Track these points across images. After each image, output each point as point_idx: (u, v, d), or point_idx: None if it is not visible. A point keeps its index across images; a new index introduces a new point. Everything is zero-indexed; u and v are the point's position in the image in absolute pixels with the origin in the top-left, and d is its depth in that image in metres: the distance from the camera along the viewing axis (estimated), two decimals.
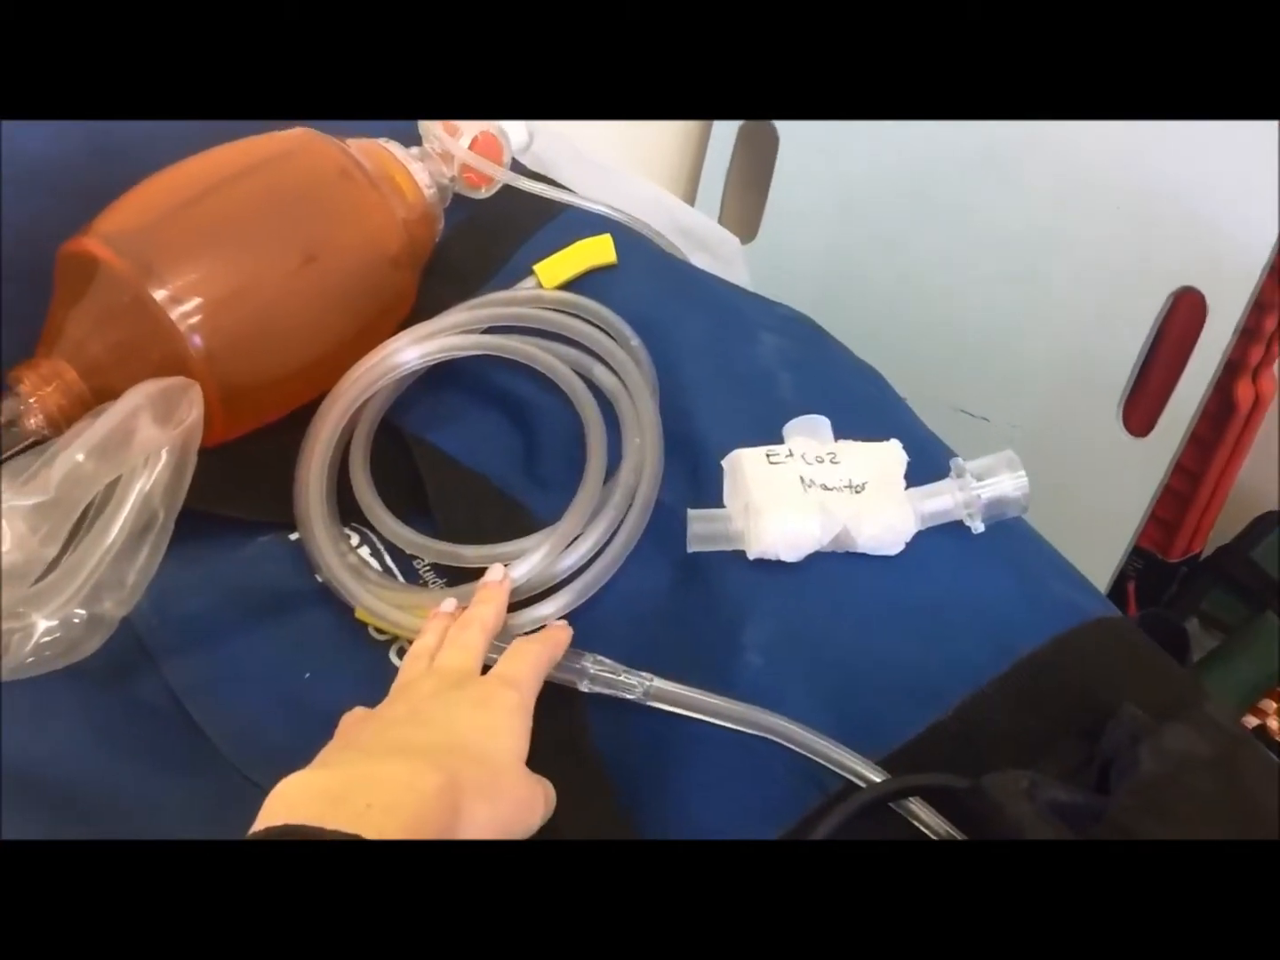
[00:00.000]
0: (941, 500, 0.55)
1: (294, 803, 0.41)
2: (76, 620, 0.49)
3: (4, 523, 0.48)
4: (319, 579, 0.58)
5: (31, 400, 0.56)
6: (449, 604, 0.56)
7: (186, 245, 0.58)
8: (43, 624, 0.48)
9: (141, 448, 0.51)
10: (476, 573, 0.57)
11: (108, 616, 0.50)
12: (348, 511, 0.61)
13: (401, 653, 0.58)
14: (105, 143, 0.66)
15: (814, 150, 1.07)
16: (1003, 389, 1.04)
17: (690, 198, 1.18)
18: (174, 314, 0.56)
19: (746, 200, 1.16)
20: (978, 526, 0.55)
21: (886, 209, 1.06)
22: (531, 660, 0.51)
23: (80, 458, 0.49)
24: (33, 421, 0.56)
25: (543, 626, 0.55)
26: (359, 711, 0.51)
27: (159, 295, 0.56)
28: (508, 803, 0.46)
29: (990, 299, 1.02)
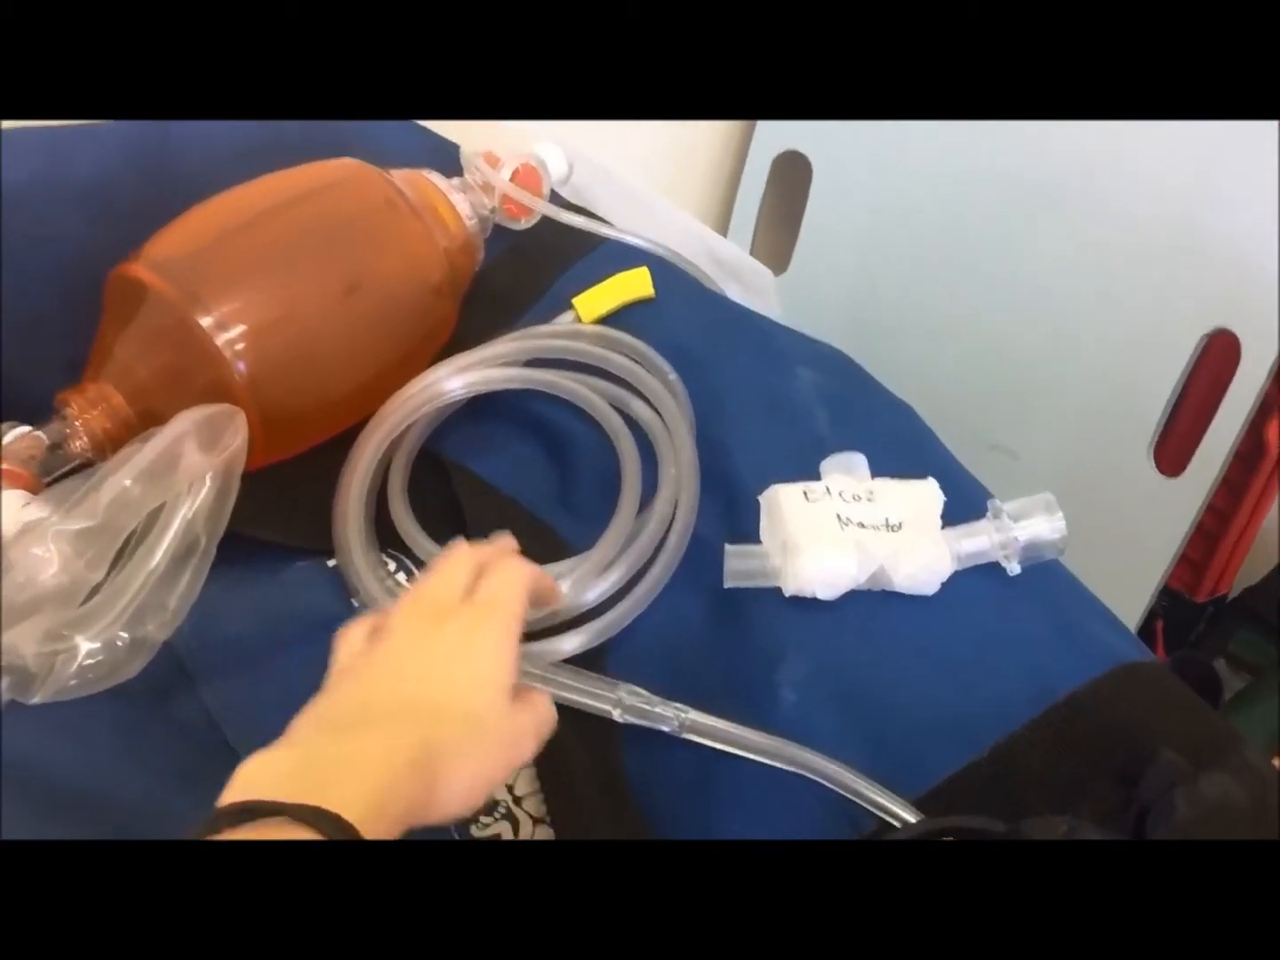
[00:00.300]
0: (978, 541, 0.55)
1: (260, 783, 0.39)
2: (119, 643, 0.49)
3: (51, 546, 0.49)
4: (356, 604, 0.59)
5: (78, 423, 0.57)
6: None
7: (233, 273, 0.59)
8: (86, 646, 0.49)
9: (186, 474, 0.52)
10: None
11: (150, 640, 0.51)
12: (385, 538, 0.61)
13: None
14: (153, 166, 0.67)
15: (847, 183, 1.08)
16: (1034, 425, 1.04)
17: (723, 229, 1.18)
18: (219, 340, 0.57)
19: (778, 232, 1.17)
20: (1014, 568, 0.55)
21: (918, 243, 1.06)
22: (514, 576, 0.50)
23: (128, 483, 0.50)
24: (78, 444, 0.57)
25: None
26: (354, 641, 0.50)
27: (205, 322, 0.57)
28: (491, 751, 0.45)
29: (1022, 335, 1.02)
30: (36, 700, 0.47)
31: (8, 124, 0.64)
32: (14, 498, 0.52)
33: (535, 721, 0.48)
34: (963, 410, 1.04)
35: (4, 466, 0.53)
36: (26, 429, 0.56)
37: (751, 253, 1.05)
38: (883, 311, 1.11)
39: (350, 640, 0.50)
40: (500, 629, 0.47)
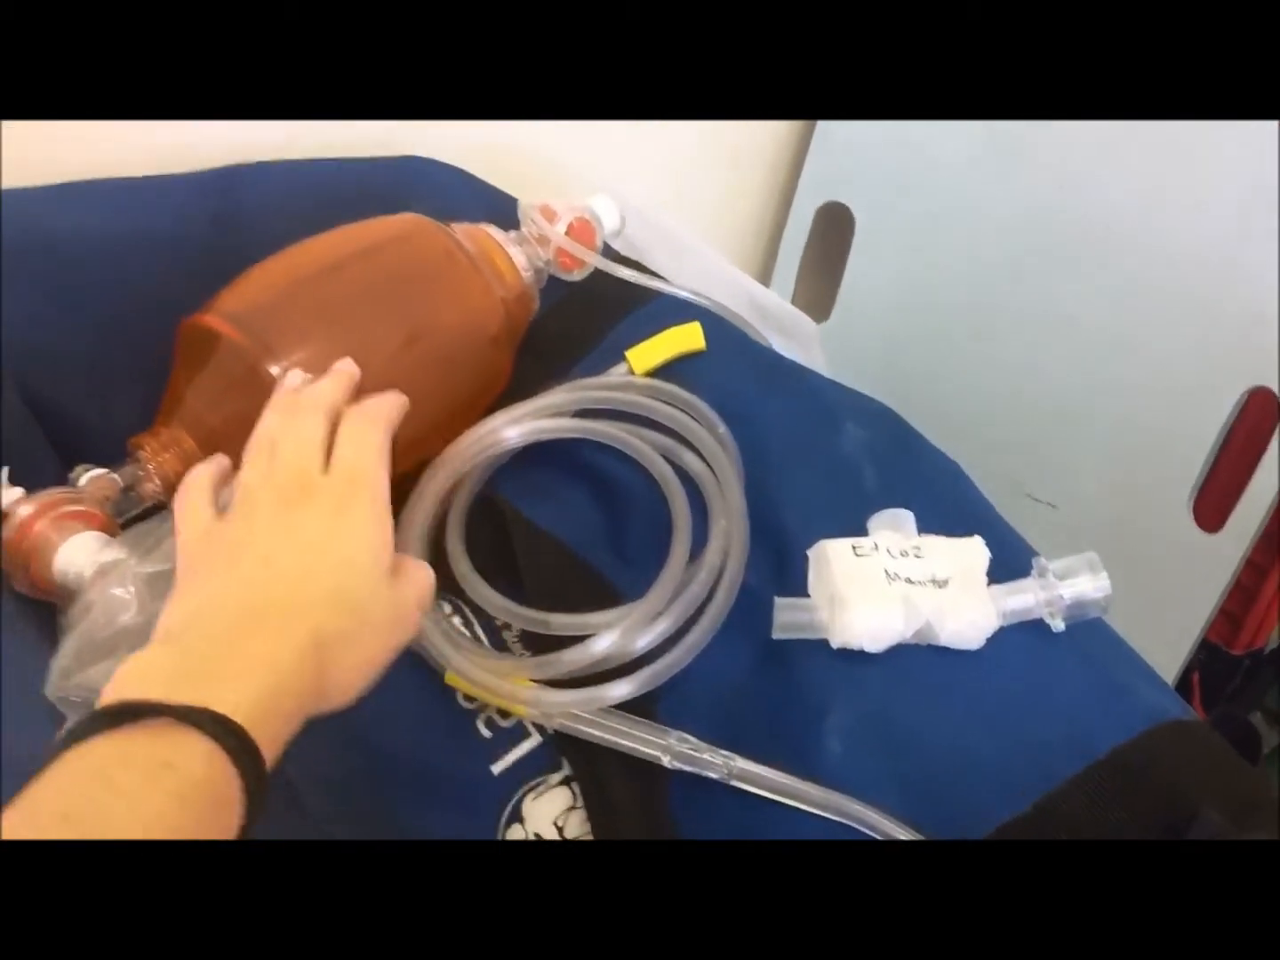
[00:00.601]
0: (1023, 598, 0.56)
1: (139, 684, 0.38)
2: None
3: (130, 587, 0.50)
4: (411, 646, 0.60)
5: (150, 466, 0.59)
6: (295, 376, 0.54)
7: (302, 324, 0.61)
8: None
9: None
10: (561, 641, 0.58)
11: None
12: (441, 583, 0.63)
13: (489, 722, 0.60)
14: (222, 217, 0.70)
15: (888, 234, 1.10)
16: (1073, 478, 1.05)
17: (765, 278, 1.20)
18: None
19: (820, 281, 1.19)
20: (1058, 625, 0.56)
21: (958, 294, 1.08)
22: (372, 442, 0.49)
23: None
24: (150, 487, 0.59)
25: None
26: (199, 513, 0.48)
27: (275, 370, 0.59)
28: (379, 632, 0.45)
29: (1061, 388, 1.03)
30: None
31: (88, 174, 0.67)
32: (93, 539, 0.54)
33: (417, 594, 0.47)
34: (1001, 461, 1.05)
35: (81, 508, 0.56)
36: (102, 471, 0.58)
37: (793, 302, 1.07)
38: (922, 361, 1.12)
39: (193, 509, 0.49)
40: (368, 504, 0.47)
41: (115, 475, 0.58)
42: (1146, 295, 0.97)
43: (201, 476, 0.51)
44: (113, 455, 0.59)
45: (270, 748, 0.40)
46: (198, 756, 0.37)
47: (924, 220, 1.07)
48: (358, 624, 0.44)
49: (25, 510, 0.54)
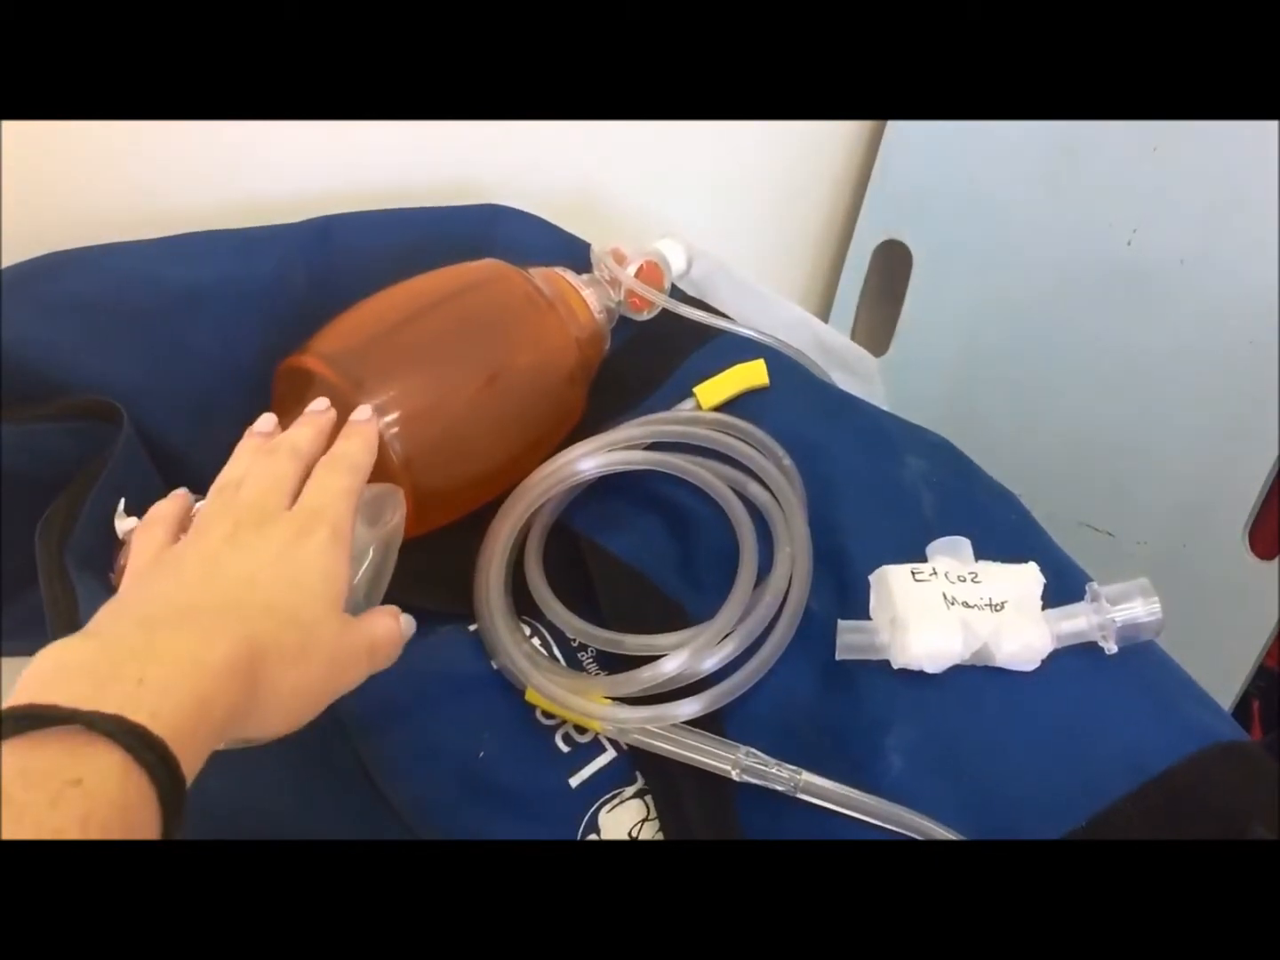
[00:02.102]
0: (1077, 622, 0.58)
1: (52, 680, 0.34)
2: None
3: None
4: (494, 665, 0.64)
5: None
6: (265, 420, 0.52)
7: (391, 365, 0.65)
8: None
9: (353, 546, 0.58)
10: (635, 661, 0.61)
11: None
12: (521, 605, 0.66)
13: (566, 738, 0.63)
14: (317, 266, 0.74)
15: (946, 271, 1.12)
16: (1129, 506, 1.06)
17: (825, 313, 1.24)
18: (379, 423, 0.63)
19: (878, 317, 1.21)
20: (1111, 648, 0.58)
21: (1015, 329, 1.10)
22: (337, 484, 0.48)
23: None
24: None
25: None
26: (154, 540, 0.46)
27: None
28: (320, 662, 0.42)
29: (1117, 419, 1.05)
30: (221, 747, 0.52)
31: (186, 220, 0.71)
32: None
33: (369, 640, 0.45)
34: (1059, 490, 1.08)
35: None
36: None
37: (852, 337, 1.10)
38: (979, 393, 1.14)
39: (149, 538, 0.47)
40: (328, 538, 0.45)
41: None
42: (1202, 328, 0.98)
43: (164, 510, 0.50)
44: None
45: (190, 760, 0.35)
46: (110, 771, 0.32)
47: (981, 257, 1.09)
48: (298, 644, 0.41)
49: None
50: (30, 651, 0.46)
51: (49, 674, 0.35)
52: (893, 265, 1.17)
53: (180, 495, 0.52)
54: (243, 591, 0.42)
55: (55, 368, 0.64)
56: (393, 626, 0.48)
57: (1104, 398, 1.05)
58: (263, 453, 0.51)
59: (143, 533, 0.48)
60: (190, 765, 0.35)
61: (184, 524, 0.50)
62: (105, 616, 0.40)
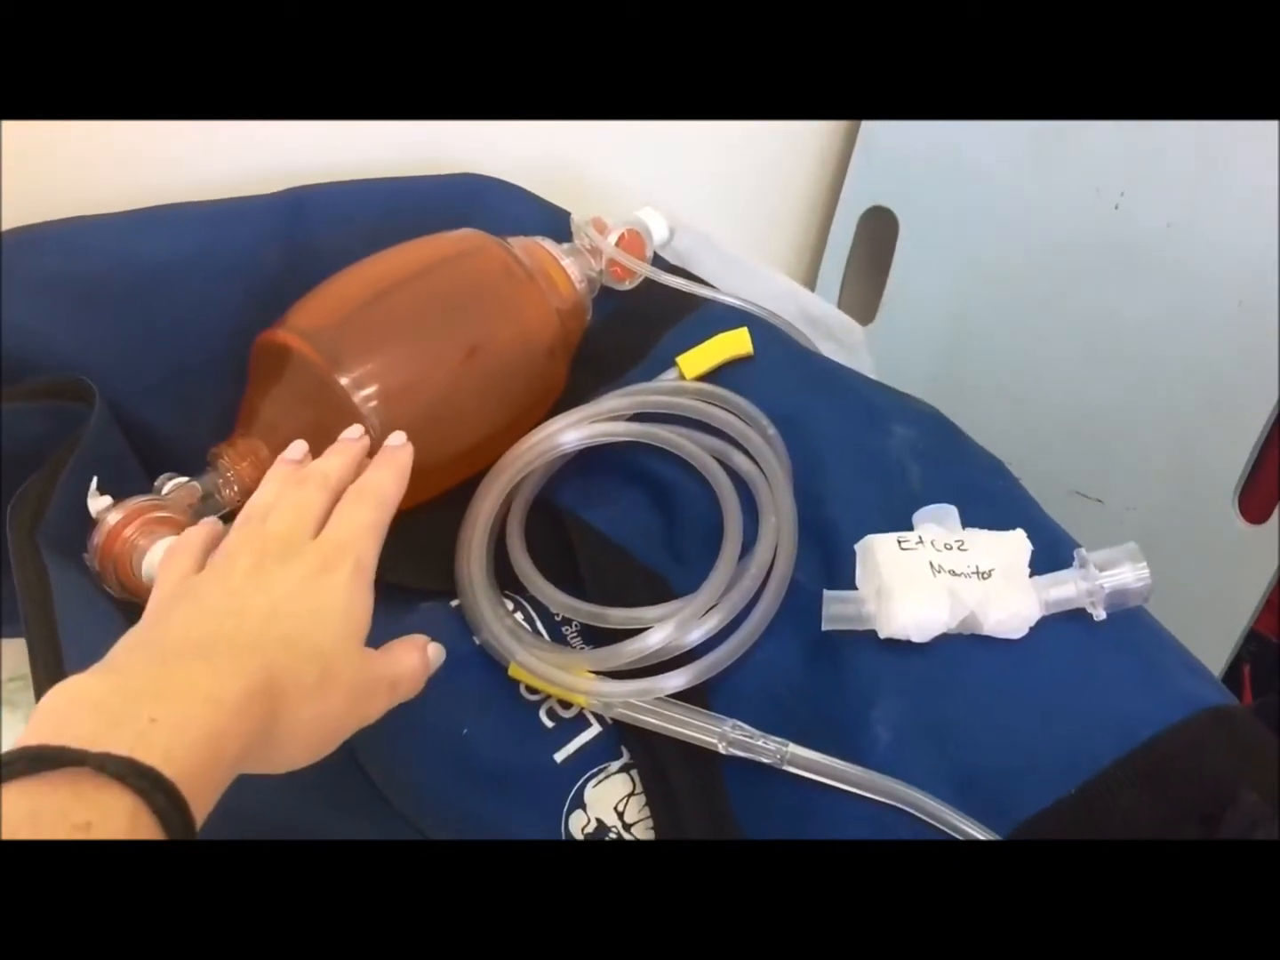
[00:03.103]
0: (1065, 589, 0.58)
1: (65, 717, 0.34)
2: None
3: None
4: (477, 641, 0.63)
5: (230, 474, 0.62)
6: (296, 448, 0.52)
7: (368, 339, 0.64)
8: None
9: None
10: (618, 635, 0.61)
11: None
12: (503, 580, 0.66)
13: (550, 713, 0.62)
14: (291, 238, 0.73)
15: (933, 238, 1.11)
16: (1118, 472, 1.06)
17: (810, 282, 1.22)
18: (357, 399, 0.62)
19: (865, 285, 1.20)
20: (1099, 614, 0.58)
21: (1002, 297, 1.09)
22: (363, 517, 0.47)
23: None
24: (229, 493, 0.63)
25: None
26: (178, 569, 0.46)
27: (344, 381, 0.62)
28: (340, 696, 0.42)
29: (1106, 385, 1.04)
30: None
31: (161, 198, 0.70)
32: None
33: (391, 674, 0.45)
34: (1047, 458, 1.07)
35: (166, 515, 0.59)
36: (184, 480, 0.62)
37: (838, 305, 1.09)
38: (967, 361, 1.13)
39: (175, 567, 0.47)
40: (350, 573, 0.45)
41: (196, 483, 0.62)
42: (1191, 293, 0.98)
43: (191, 539, 0.49)
44: (193, 465, 0.63)
45: (203, 799, 0.35)
46: (119, 815, 0.32)
47: (968, 224, 1.08)
48: (317, 675, 0.41)
49: (114, 517, 0.57)
50: (16, 634, 0.45)
51: (62, 710, 0.34)
52: (879, 233, 1.16)
53: (209, 523, 0.51)
54: (263, 625, 0.42)
55: (26, 347, 0.63)
56: (417, 662, 0.47)
57: (1092, 364, 1.05)
58: (292, 482, 0.50)
59: (168, 561, 0.48)
60: (203, 804, 0.35)
61: (210, 551, 0.50)
62: (121, 650, 0.40)
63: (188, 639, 0.40)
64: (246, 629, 0.41)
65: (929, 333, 1.14)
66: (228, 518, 0.61)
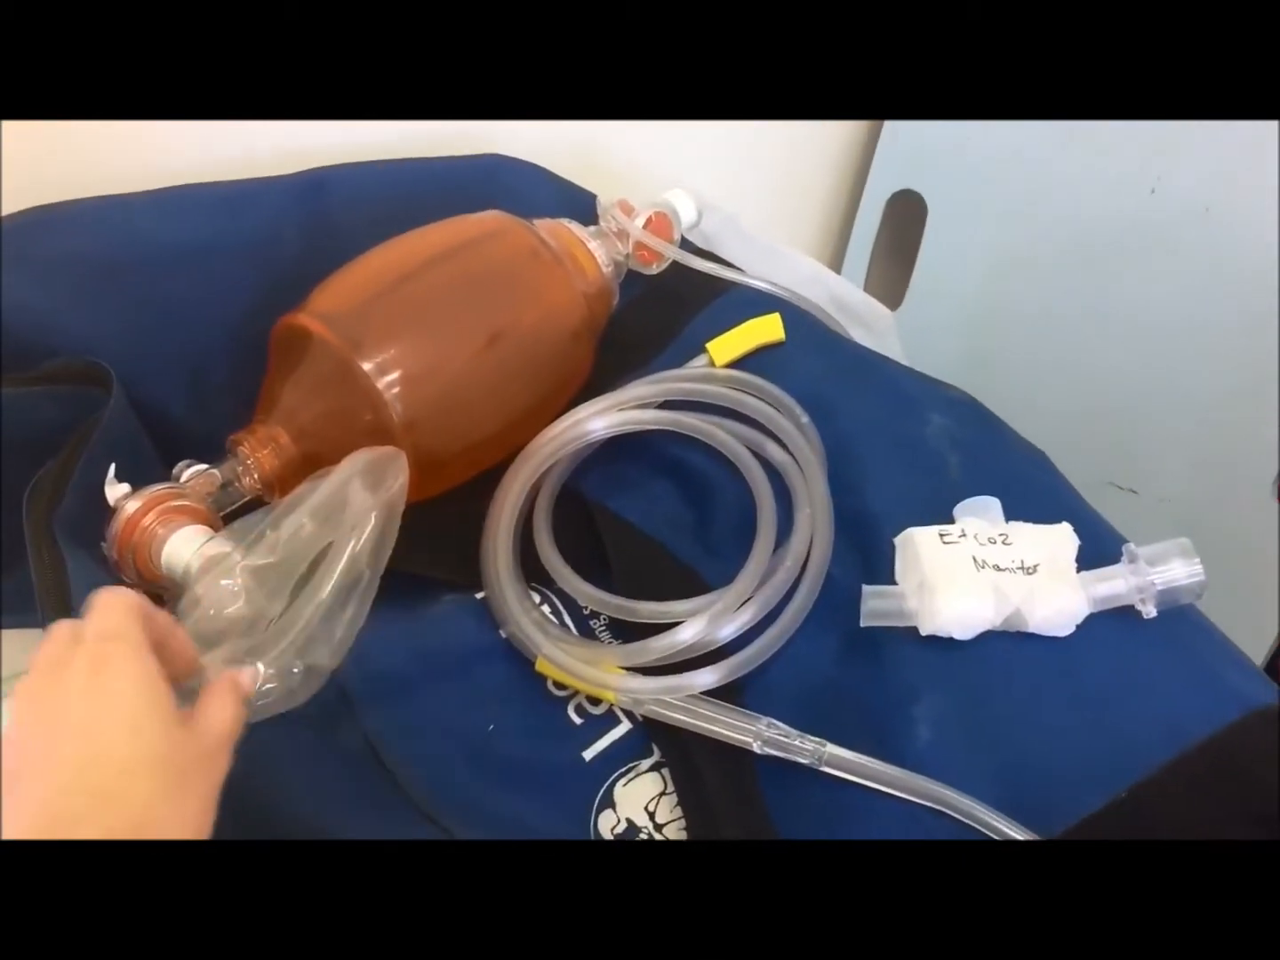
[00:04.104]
0: (1114, 585, 0.56)
1: None
2: (294, 670, 0.53)
3: (238, 580, 0.52)
4: (503, 634, 0.62)
5: (249, 462, 0.61)
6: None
7: (391, 324, 0.62)
8: (263, 672, 0.52)
9: (354, 513, 0.55)
10: (648, 630, 0.59)
11: (319, 667, 0.54)
12: (529, 573, 0.64)
13: (579, 709, 0.61)
14: (310, 220, 0.71)
15: (962, 222, 1.09)
16: (1152, 463, 1.03)
17: (836, 266, 1.20)
18: (380, 384, 0.60)
19: (892, 270, 1.18)
20: (1149, 612, 0.56)
21: (1033, 282, 1.06)
22: (118, 602, 0.44)
23: (305, 521, 0.53)
24: (248, 481, 0.61)
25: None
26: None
27: (367, 367, 0.60)
28: (193, 781, 0.41)
29: (1140, 374, 1.02)
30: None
31: (176, 179, 0.68)
32: (197, 533, 0.55)
33: (216, 739, 0.44)
34: (1079, 445, 1.04)
35: (185, 503, 0.57)
36: (203, 467, 0.60)
37: (865, 290, 1.07)
38: (996, 349, 1.11)
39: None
40: (127, 656, 0.42)
41: (215, 471, 0.60)
42: (1226, 281, 0.95)
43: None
44: (208, 450, 0.61)
45: None
46: None
47: (999, 208, 1.06)
48: (166, 784, 0.40)
49: (132, 506, 0.56)
50: (30, 624, 0.43)
51: None
52: (906, 217, 1.14)
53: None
54: (87, 773, 0.39)
55: (41, 330, 0.62)
56: (230, 708, 0.45)
57: (1125, 351, 1.02)
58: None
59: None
60: None
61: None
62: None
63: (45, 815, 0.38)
64: (88, 785, 0.39)
65: (957, 320, 1.12)
66: (246, 508, 0.60)
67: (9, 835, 0.38)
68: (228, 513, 0.60)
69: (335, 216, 0.71)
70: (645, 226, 0.75)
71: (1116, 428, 1.05)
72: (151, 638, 0.43)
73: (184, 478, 0.59)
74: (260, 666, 0.50)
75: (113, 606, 0.44)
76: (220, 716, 0.44)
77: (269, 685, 0.52)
